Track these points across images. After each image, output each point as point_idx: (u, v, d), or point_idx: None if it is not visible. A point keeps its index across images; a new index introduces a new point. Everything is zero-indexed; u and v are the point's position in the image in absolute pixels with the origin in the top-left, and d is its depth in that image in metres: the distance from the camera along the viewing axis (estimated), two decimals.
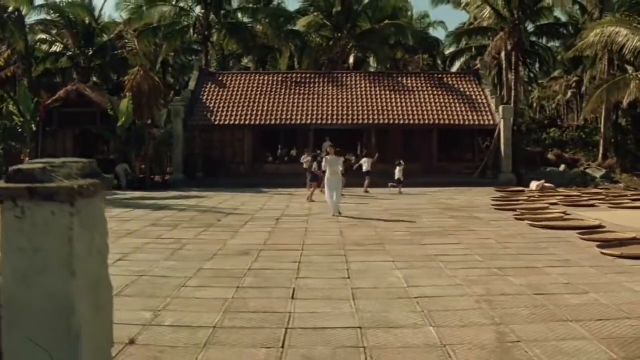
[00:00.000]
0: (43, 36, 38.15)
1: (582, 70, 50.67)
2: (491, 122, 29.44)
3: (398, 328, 6.00)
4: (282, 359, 5.15)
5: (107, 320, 2.98)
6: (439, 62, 51.88)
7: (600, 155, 38.21)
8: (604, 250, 10.35)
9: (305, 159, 23.32)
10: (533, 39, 39.85)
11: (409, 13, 47.22)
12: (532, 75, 58.45)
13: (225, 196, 21.87)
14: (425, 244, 11.27)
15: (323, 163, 17.82)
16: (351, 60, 40.09)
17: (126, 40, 35.51)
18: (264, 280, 8.22)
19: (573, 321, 6.15)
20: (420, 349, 5.35)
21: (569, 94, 64.57)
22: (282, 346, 5.46)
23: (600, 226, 13.36)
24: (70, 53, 37.19)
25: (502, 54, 36.78)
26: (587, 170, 35.05)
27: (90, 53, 37.23)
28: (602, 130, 39.08)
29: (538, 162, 38.40)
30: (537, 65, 47.85)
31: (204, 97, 30.34)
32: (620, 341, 5.47)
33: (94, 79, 39.52)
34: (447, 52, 49.56)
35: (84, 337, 2.62)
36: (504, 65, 37.94)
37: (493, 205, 18.46)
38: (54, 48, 38.50)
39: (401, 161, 24.07)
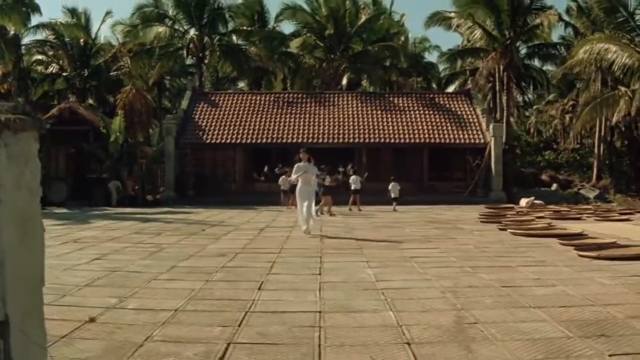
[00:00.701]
0: (40, 57, 38.57)
1: (577, 95, 51.14)
2: (482, 140, 29.62)
3: (358, 312, 6.02)
4: (235, 335, 5.17)
5: (38, 258, 3.01)
6: (434, 85, 52.29)
7: (594, 177, 38.33)
8: (581, 253, 10.38)
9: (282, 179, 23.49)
10: (526, 61, 40.27)
11: (404, 37, 47.74)
12: (528, 99, 58.88)
13: (214, 212, 21.90)
14: (403, 248, 11.30)
15: (293, 173, 14.44)
16: (345, 82, 40.45)
17: (121, 63, 35.87)
18: (235, 276, 8.25)
19: (535, 307, 6.17)
20: (375, 329, 5.37)
21: (567, 118, 65.00)
22: (239, 325, 5.49)
23: (582, 234, 13.38)
24: (66, 74, 37.54)
25: (496, 76, 37.12)
26: (581, 191, 35.17)
27: (86, 74, 37.58)
28: (596, 151, 39.27)
29: (532, 183, 38.58)
30: (531, 88, 48.26)
31: (197, 117, 30.57)
32: (580, 323, 5.49)
33: (90, 101, 39.81)
34: (441, 74, 50.03)
35: (9, 267, 2.66)
36: (497, 88, 38.25)
37: (479, 218, 18.50)
38: (50, 69, 38.89)
39: (392, 177, 24.11)
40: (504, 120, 34.74)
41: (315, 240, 12.71)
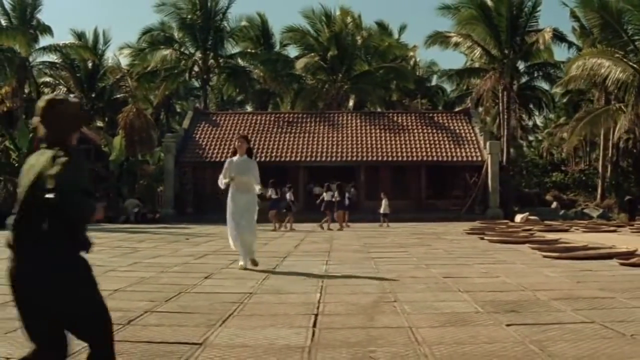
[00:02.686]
0: (48, 79, 39.54)
1: None
2: (479, 158, 29.74)
3: (286, 294, 6.26)
4: (158, 307, 5.43)
5: None
6: (440, 108, 52.52)
7: (598, 196, 38.11)
8: (545, 254, 10.52)
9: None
10: (530, 82, 40.43)
11: (413, 61, 48.07)
12: (535, 121, 58.82)
13: (209, 227, 22.11)
14: (372, 252, 11.47)
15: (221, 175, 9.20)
16: (351, 103, 40.86)
17: (127, 86, 36.64)
18: (191, 269, 8.52)
19: (463, 292, 6.38)
20: (294, 305, 5.61)
21: (576, 140, 64.79)
22: (167, 301, 5.75)
23: (557, 240, 13.47)
24: (73, 95, 38.33)
25: (500, 96, 37.25)
26: (585, 210, 35.00)
27: (93, 95, 38.42)
28: (600, 170, 39.09)
29: (535, 203, 38.43)
30: (538, 110, 48.23)
31: (197, 136, 31.05)
32: (499, 303, 5.69)
33: (100, 123, 40.57)
34: (450, 95, 50.29)
35: None
36: (500, 108, 38.34)
37: (466, 231, 18.59)
38: (58, 90, 39.82)
39: (382, 194, 23.97)
40: (504, 139, 34.83)
41: (291, 245, 12.93)
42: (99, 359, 2.76)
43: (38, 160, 2.77)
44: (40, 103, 2.84)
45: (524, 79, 39.98)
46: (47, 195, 2.57)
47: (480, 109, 47.16)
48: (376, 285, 6.79)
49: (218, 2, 37.73)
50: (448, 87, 51.08)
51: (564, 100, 53.52)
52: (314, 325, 4.64)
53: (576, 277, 7.55)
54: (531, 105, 46.63)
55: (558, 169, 54.59)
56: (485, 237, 14.57)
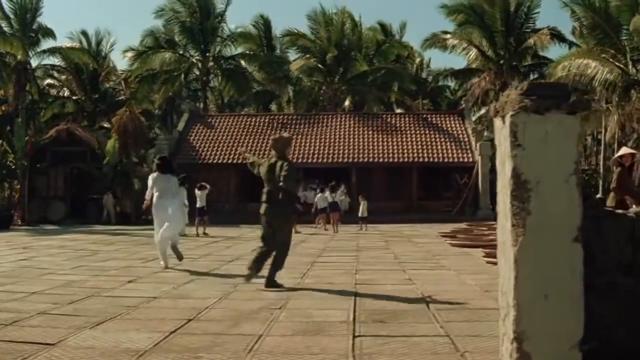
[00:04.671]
0: (50, 81, 40.32)
1: None
2: (471, 159, 29.85)
3: (186, 299, 6.63)
4: (54, 310, 5.86)
5: None
6: (444, 108, 52.53)
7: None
8: (488, 259, 10.71)
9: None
10: (527, 79, 40.35)
11: (418, 60, 48.12)
12: None
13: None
14: (320, 256, 11.76)
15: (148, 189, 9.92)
16: (347, 103, 41.10)
17: (121, 89, 37.27)
18: (125, 272, 8.93)
19: (358, 300, 6.64)
20: (182, 310, 5.99)
21: (589, 140, 64.29)
22: (69, 304, 6.17)
23: None
24: (76, 97, 39.12)
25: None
26: None
27: (96, 97, 39.08)
28: (601, 171, 38.94)
29: None
30: None
31: (192, 138, 31.53)
32: (377, 312, 5.90)
33: (106, 124, 41.23)
34: (451, 94, 50.32)
35: None
36: None
37: (441, 233, 18.75)
38: (61, 93, 40.67)
39: (360, 195, 23.72)
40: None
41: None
42: (276, 260, 7.34)
43: (274, 166, 7.36)
44: (272, 138, 7.88)
45: (524, 80, 39.96)
46: (280, 183, 7.15)
47: (483, 110, 47.26)
48: (278, 292, 7.06)
49: (216, 5, 38.35)
50: (452, 86, 51.20)
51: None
52: (174, 330, 4.96)
53: (492, 286, 7.72)
54: None
55: None
56: (447, 241, 14.78)
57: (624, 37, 26.57)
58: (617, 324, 3.83)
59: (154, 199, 9.65)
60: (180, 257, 9.49)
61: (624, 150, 9.57)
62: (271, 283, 7.25)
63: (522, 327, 3.36)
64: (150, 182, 9.83)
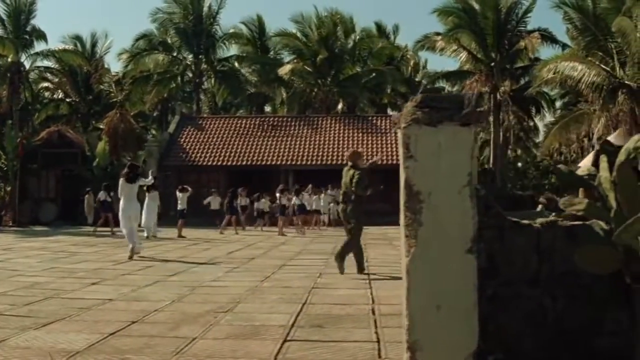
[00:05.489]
0: (45, 84, 40.50)
1: None
2: None
3: (140, 302, 6.82)
4: (8, 311, 6.07)
5: None
6: None
7: None
8: None
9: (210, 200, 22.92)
10: (522, 81, 40.45)
11: (414, 62, 48.12)
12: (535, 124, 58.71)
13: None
14: (294, 259, 11.98)
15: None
16: (340, 106, 41.23)
17: (111, 90, 37.43)
18: (93, 274, 9.17)
19: (307, 304, 6.83)
20: (132, 312, 6.17)
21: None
22: (25, 305, 6.39)
23: None
24: (70, 99, 39.33)
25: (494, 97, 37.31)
26: None
27: (90, 98, 39.24)
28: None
29: (528, 206, 38.52)
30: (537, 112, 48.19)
31: (182, 140, 31.72)
32: (319, 317, 6.03)
33: (100, 126, 41.40)
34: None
35: None
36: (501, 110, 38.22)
37: None
38: (55, 95, 40.86)
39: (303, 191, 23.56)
40: (491, 141, 35.02)
41: (224, 252, 13.47)
42: (348, 243, 9.14)
43: (348, 173, 9.03)
44: (349, 152, 10.28)
45: (522, 82, 40.07)
46: (353, 187, 8.83)
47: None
48: (232, 295, 7.22)
49: (210, 6, 38.56)
50: (448, 88, 51.27)
51: (565, 100, 53.42)
52: (114, 332, 5.14)
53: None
54: (532, 108, 46.64)
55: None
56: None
57: (611, 40, 26.68)
58: (523, 334, 3.85)
59: (121, 202, 12.30)
60: (135, 251, 11.52)
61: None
62: (338, 256, 9.12)
63: (414, 336, 3.37)
64: (119, 188, 12.37)
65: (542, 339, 3.84)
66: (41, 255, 12.07)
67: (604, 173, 3.74)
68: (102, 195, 20.66)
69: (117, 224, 15.21)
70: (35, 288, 7.68)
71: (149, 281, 8.41)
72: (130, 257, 11.27)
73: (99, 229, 20.01)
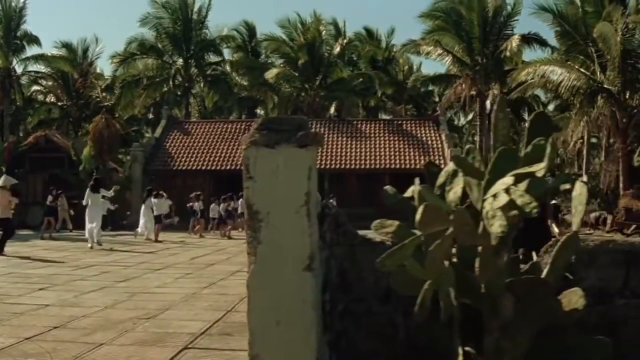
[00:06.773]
0: (37, 88, 41.02)
1: None
2: (443, 166, 30.24)
3: (74, 307, 7.22)
4: None
5: None
6: (429, 113, 52.95)
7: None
8: None
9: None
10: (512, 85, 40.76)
11: (407, 66, 48.36)
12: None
13: (164, 235, 23.15)
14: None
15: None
16: (332, 110, 41.61)
17: (97, 95, 37.90)
18: (48, 279, 9.61)
19: (240, 312, 7.25)
20: (58, 317, 6.57)
21: (579, 144, 64.60)
22: None
23: None
24: (61, 104, 39.86)
25: (490, 102, 37.59)
26: (566, 217, 35.39)
27: (82, 103, 39.74)
28: (585, 178, 39.36)
29: None
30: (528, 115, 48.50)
31: (168, 144, 32.13)
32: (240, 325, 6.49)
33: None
34: (434, 100, 50.76)
35: None
36: (490, 114, 38.40)
37: None
38: (47, 99, 41.41)
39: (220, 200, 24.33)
40: (477, 145, 35.27)
41: (198, 255, 13.90)
42: None
43: None
44: None
45: (512, 85, 40.37)
46: None
47: (470, 115, 47.65)
48: (165, 302, 7.62)
49: (200, 11, 39.04)
50: (437, 92, 51.59)
51: (557, 103, 53.69)
52: (31, 337, 5.58)
53: None
54: (523, 111, 46.94)
55: (552, 175, 54.61)
56: None
57: (592, 44, 27.09)
58: (376, 350, 4.03)
59: (88, 207, 16.64)
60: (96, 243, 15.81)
61: None
62: None
63: (255, 350, 3.53)
64: (85, 195, 16.90)
65: (394, 355, 3.99)
66: (8, 261, 12.51)
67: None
68: (49, 199, 21.83)
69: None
70: None
71: (96, 287, 8.84)
72: (91, 247, 15.51)
73: (54, 233, 20.84)
